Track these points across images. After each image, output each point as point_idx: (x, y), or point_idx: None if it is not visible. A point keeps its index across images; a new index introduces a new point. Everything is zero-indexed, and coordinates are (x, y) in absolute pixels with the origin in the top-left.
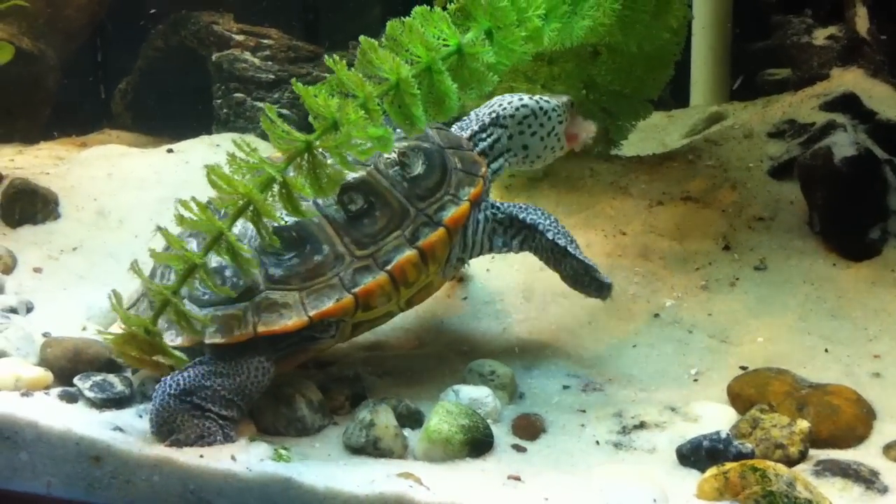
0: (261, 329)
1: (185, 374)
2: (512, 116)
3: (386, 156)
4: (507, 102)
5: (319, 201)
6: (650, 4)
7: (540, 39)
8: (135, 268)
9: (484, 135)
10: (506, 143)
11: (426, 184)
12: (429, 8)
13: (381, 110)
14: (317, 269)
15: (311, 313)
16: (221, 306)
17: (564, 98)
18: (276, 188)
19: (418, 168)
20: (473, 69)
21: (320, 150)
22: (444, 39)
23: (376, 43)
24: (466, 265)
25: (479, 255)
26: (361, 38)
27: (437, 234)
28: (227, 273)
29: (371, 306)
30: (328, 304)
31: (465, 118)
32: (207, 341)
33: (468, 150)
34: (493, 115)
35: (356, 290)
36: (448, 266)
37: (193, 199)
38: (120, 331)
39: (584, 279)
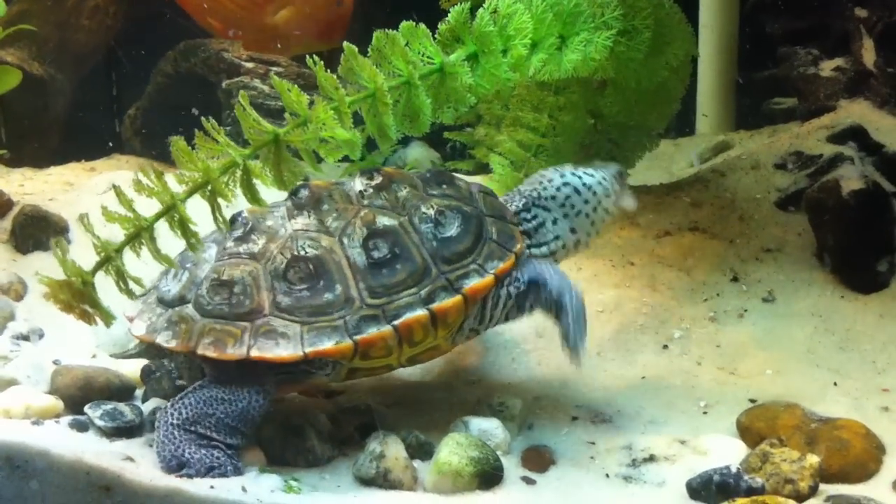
0: (254, 353)
1: (186, 401)
2: (553, 198)
3: (423, 210)
4: (547, 181)
5: (345, 240)
6: (645, 43)
7: (524, 68)
8: (84, 222)
9: (528, 215)
10: (552, 229)
11: (456, 248)
12: (415, 24)
13: (351, 114)
14: (324, 307)
15: (307, 350)
16: (222, 320)
17: (612, 168)
18: (238, 173)
19: (452, 230)
20: (452, 88)
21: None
22: (428, 57)
23: (356, 50)
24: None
25: (493, 327)
26: (345, 44)
27: (453, 300)
28: (236, 289)
29: (370, 356)
30: (326, 345)
31: (508, 193)
32: (199, 351)
33: (510, 222)
34: (535, 194)
35: (358, 337)
36: (459, 334)
37: (152, 166)
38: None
39: (567, 340)
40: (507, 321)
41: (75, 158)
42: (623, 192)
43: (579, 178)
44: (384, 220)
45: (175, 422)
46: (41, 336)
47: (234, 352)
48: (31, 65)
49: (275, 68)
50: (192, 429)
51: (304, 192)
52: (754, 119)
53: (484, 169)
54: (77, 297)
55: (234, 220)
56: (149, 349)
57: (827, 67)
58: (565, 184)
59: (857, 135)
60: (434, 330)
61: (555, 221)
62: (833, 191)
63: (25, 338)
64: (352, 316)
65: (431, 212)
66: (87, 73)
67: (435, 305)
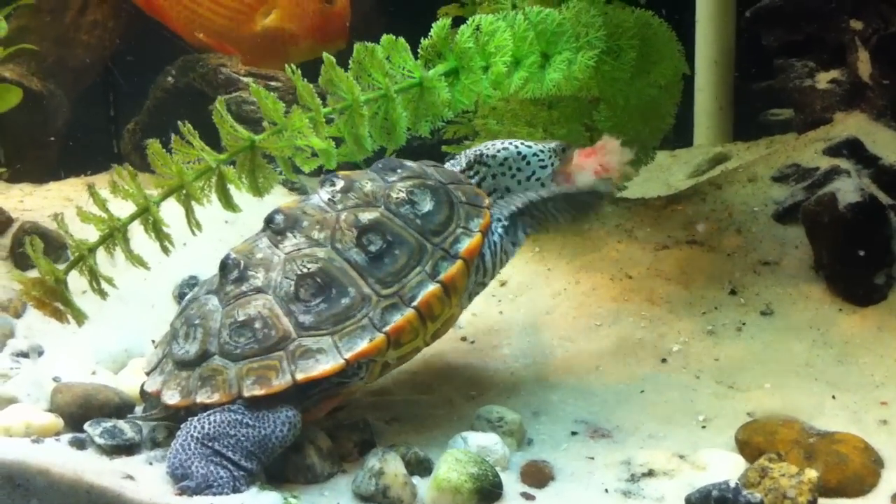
0: (299, 377)
1: (212, 418)
2: (494, 157)
3: (394, 195)
4: (491, 144)
5: (339, 246)
6: (630, 63)
7: (505, 86)
8: (58, 222)
9: (471, 172)
10: (491, 183)
11: (437, 219)
12: (395, 38)
13: (325, 123)
14: (346, 312)
15: (347, 356)
16: (256, 358)
17: (553, 143)
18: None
19: (427, 205)
20: (431, 103)
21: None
22: (408, 70)
23: (335, 61)
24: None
25: (498, 273)
26: (325, 55)
27: (455, 266)
28: (257, 325)
29: (401, 343)
30: (362, 346)
31: (456, 156)
32: (245, 394)
33: (467, 183)
34: (479, 153)
35: (387, 328)
36: (466, 295)
37: (126, 167)
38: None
39: (583, 206)
40: (510, 258)
41: (75, 174)
42: (573, 163)
43: (516, 146)
44: (366, 216)
45: (195, 434)
46: (41, 353)
47: (279, 382)
48: (30, 80)
49: (273, 83)
50: (210, 444)
51: (279, 217)
52: (751, 130)
53: None
54: (49, 294)
55: (224, 265)
56: (177, 412)
57: (823, 79)
58: (504, 148)
59: (853, 147)
60: (448, 299)
61: (493, 177)
62: (830, 204)
63: (25, 355)
64: (374, 311)
65: (402, 195)
66: (86, 89)
67: (442, 276)
